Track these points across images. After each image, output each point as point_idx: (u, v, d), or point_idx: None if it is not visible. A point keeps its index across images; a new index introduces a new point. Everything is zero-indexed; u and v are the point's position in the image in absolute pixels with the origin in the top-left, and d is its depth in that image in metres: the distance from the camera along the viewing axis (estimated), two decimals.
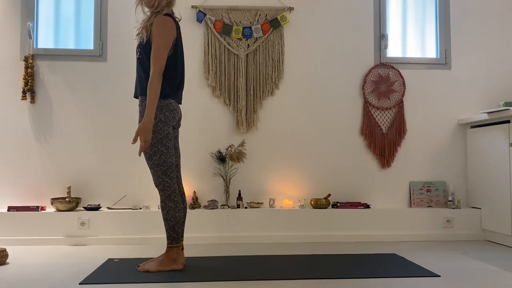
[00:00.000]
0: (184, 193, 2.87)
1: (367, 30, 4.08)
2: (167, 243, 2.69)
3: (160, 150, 2.64)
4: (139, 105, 2.71)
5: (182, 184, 2.89)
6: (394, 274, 2.60)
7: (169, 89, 2.68)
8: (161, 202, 2.69)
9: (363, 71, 4.06)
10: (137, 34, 2.73)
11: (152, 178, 2.71)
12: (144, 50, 2.67)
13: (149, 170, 3.81)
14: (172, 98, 2.71)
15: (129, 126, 3.85)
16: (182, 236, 2.74)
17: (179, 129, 2.97)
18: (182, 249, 2.76)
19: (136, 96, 2.78)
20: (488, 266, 2.81)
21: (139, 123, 2.66)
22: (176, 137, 2.86)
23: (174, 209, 2.66)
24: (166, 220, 2.67)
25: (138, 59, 2.72)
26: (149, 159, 2.66)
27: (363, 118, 4.03)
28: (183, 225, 2.74)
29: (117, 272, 2.63)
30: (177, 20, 2.77)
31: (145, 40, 2.66)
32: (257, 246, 3.47)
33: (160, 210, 3.67)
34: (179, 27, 2.77)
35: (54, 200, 3.64)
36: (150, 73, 2.58)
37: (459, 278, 2.53)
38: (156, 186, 2.68)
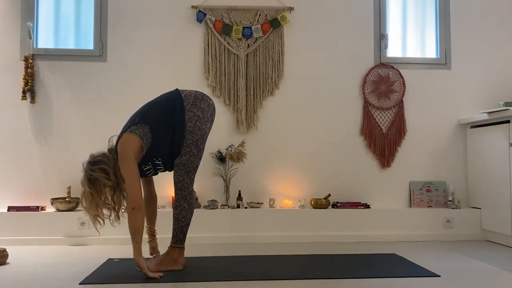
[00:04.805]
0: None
1: (367, 30, 4.08)
2: (172, 242, 2.67)
3: (192, 151, 2.60)
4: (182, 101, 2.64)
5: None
6: (394, 274, 2.60)
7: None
8: (175, 201, 2.65)
9: (363, 71, 4.06)
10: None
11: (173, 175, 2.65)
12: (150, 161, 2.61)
13: None
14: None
15: None
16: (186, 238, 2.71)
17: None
18: (183, 250, 2.74)
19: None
20: (488, 266, 2.81)
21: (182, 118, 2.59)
22: None
23: (187, 210, 2.64)
24: (176, 219, 2.64)
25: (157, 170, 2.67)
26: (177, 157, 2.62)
27: (363, 118, 4.03)
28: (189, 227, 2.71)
29: (117, 272, 2.64)
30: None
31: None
32: (257, 246, 3.47)
33: (159, 209, 3.68)
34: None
35: (54, 200, 3.64)
36: (127, 208, 2.48)
37: (459, 278, 2.53)
38: (175, 183, 2.63)
